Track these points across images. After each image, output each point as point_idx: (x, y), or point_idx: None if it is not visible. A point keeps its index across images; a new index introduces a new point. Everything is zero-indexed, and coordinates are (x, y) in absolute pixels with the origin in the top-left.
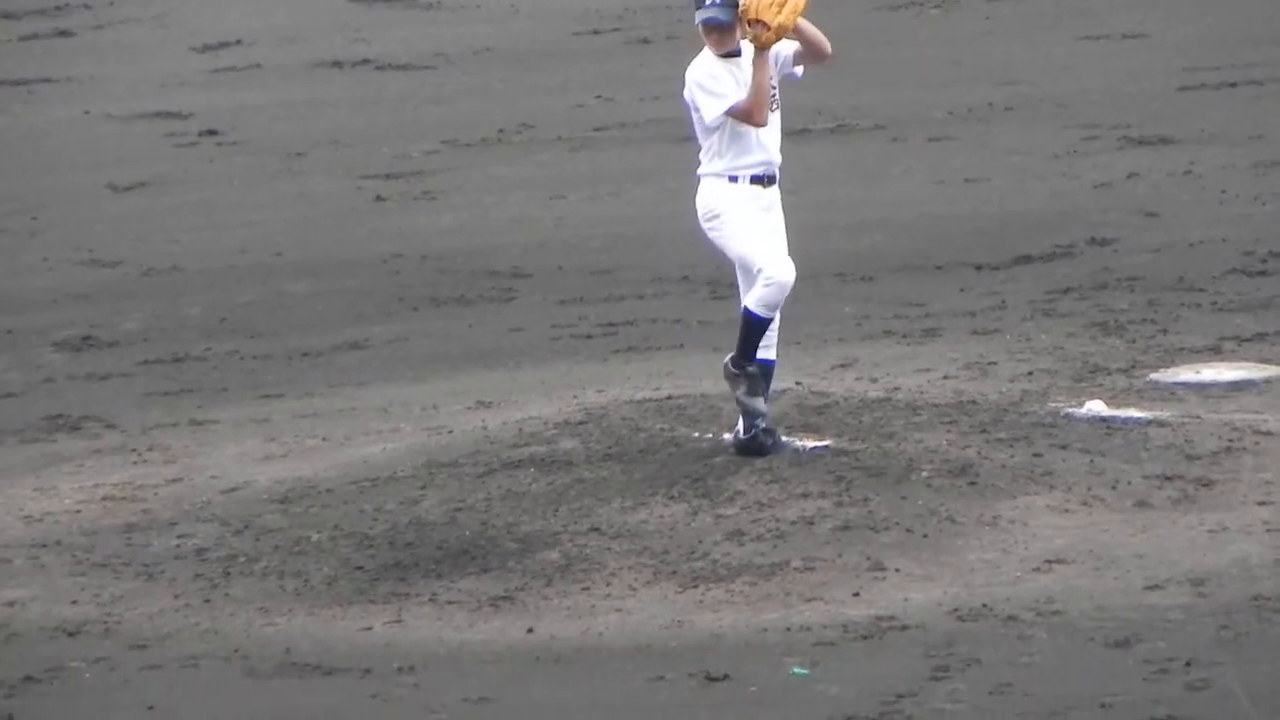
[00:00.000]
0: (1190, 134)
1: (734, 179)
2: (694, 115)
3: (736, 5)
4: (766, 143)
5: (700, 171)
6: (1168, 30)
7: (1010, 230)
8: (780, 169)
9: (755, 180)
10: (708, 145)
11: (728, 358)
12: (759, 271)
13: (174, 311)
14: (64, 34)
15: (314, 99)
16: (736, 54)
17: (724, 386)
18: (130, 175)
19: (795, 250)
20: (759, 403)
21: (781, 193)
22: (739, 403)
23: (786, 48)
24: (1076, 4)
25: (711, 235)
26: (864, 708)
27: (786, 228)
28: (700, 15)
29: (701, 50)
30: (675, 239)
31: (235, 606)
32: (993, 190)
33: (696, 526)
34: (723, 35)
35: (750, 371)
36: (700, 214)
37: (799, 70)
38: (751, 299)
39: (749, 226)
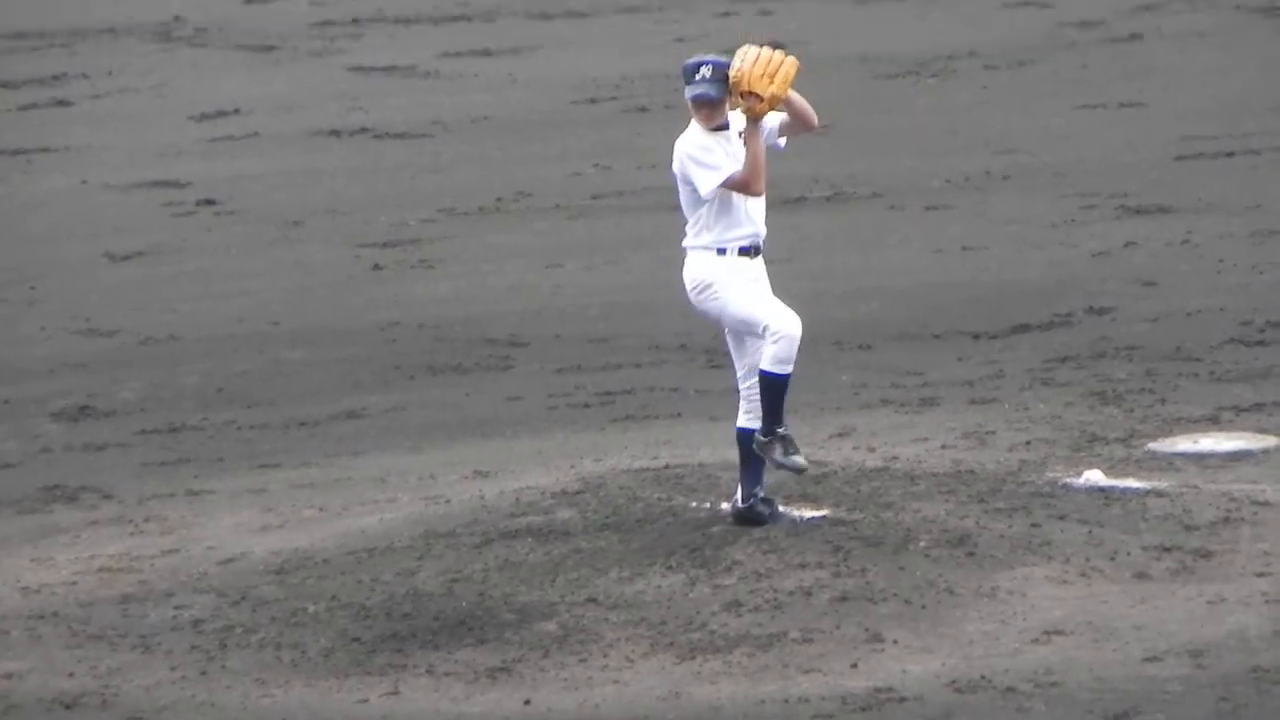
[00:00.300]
0: (1188, 203)
1: (722, 251)
2: (682, 188)
3: (726, 80)
4: (754, 214)
5: (687, 244)
6: (1165, 100)
7: (1008, 299)
8: (765, 240)
9: (743, 252)
10: (695, 218)
11: (757, 431)
12: (765, 329)
13: (171, 381)
14: (62, 103)
15: (312, 168)
16: (725, 127)
17: (722, 456)
18: (128, 244)
19: None
20: (798, 459)
21: (778, 260)
22: (778, 465)
23: (772, 119)
24: (1074, 73)
25: (705, 306)
26: None
27: (784, 295)
28: (690, 91)
29: (689, 123)
30: (672, 307)
31: (232, 678)
32: (990, 259)
33: (694, 597)
34: (713, 110)
35: (782, 434)
36: (689, 286)
37: (783, 141)
38: (765, 360)
39: (743, 291)
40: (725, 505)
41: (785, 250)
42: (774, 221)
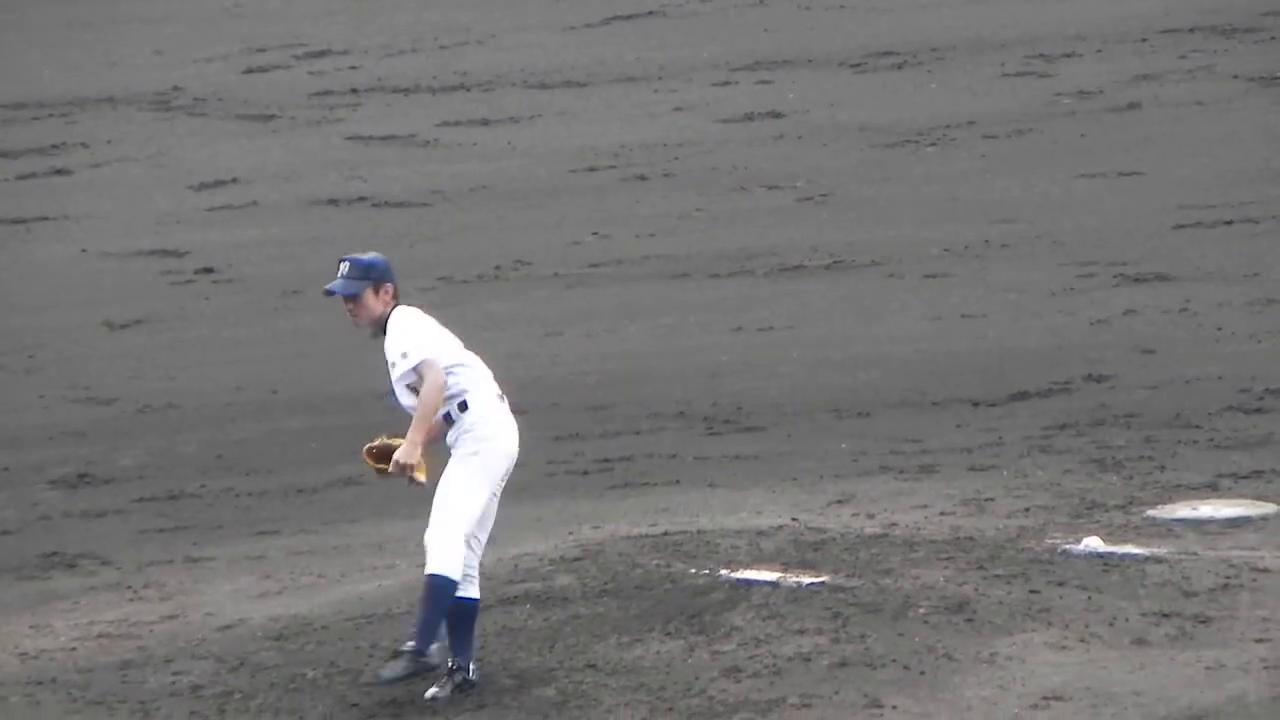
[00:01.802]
0: (1186, 272)
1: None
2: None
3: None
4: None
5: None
6: (1163, 169)
7: (1007, 367)
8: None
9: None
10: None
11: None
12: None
13: (170, 448)
14: (61, 172)
15: (310, 236)
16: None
17: (720, 523)
18: (126, 313)
19: (793, 387)
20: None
21: (778, 328)
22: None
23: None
24: (1072, 142)
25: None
26: None
27: (784, 364)
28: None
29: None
30: (671, 375)
31: None
32: (989, 327)
33: (693, 663)
34: (357, 307)
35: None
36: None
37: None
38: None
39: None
40: (724, 572)
41: (785, 318)
42: (774, 289)
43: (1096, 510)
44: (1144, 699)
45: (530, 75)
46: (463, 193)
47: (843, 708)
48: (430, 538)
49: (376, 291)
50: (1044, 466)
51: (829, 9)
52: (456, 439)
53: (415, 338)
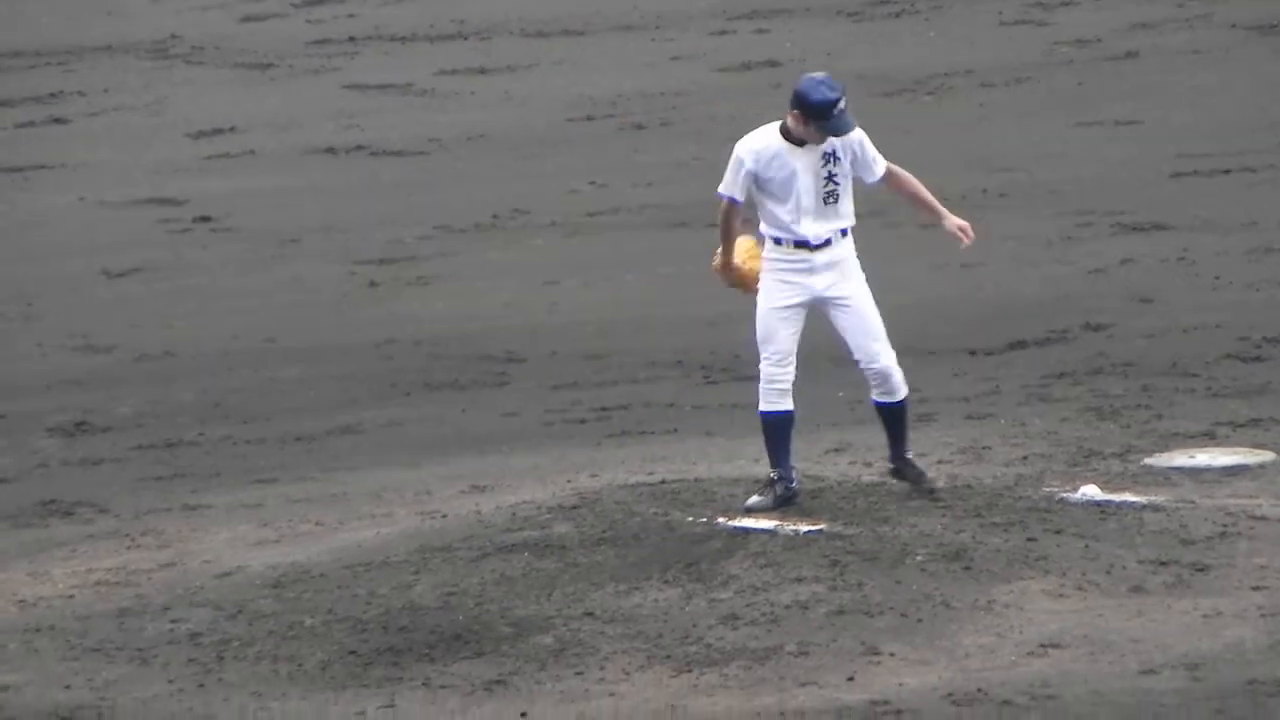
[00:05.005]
0: (1184, 221)
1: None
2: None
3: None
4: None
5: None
6: (1161, 118)
7: (1005, 316)
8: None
9: (777, 243)
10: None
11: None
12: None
13: (167, 397)
14: (59, 121)
15: (308, 185)
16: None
17: (717, 471)
18: (124, 261)
19: None
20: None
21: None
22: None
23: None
24: (1070, 91)
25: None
26: None
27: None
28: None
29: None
30: (669, 324)
31: (229, 691)
32: (987, 276)
33: (690, 611)
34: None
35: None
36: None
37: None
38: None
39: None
40: (721, 519)
41: None
42: None
43: (1094, 459)
44: (1141, 646)
45: (528, 24)
46: (460, 141)
47: (840, 655)
48: (890, 360)
49: None
50: (1041, 415)
51: None
52: (845, 258)
53: None
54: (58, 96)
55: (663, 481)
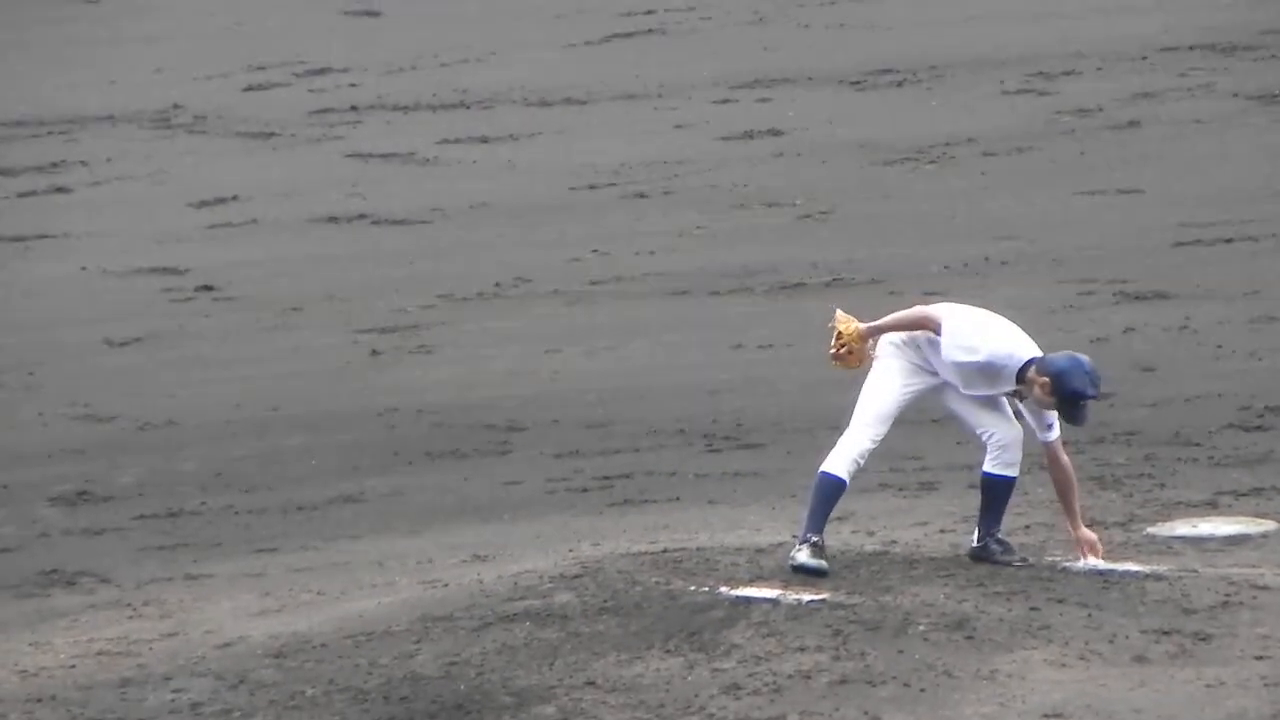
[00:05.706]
0: (1186, 289)
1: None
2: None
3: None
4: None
5: None
6: (1163, 186)
7: None
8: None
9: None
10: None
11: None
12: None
13: (169, 466)
14: (61, 190)
15: (310, 254)
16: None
17: (720, 540)
18: (126, 330)
19: (793, 404)
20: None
21: (778, 345)
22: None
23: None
24: (1072, 160)
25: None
26: None
27: (784, 381)
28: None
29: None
30: (671, 392)
31: None
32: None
33: (693, 680)
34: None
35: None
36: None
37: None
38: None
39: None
40: (724, 589)
41: (786, 336)
42: (774, 307)
43: (1096, 528)
44: (1144, 716)
45: (530, 93)
46: (463, 210)
47: None
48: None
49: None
50: (1043, 484)
51: (829, 27)
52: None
53: None
54: (60, 166)
55: (665, 550)
